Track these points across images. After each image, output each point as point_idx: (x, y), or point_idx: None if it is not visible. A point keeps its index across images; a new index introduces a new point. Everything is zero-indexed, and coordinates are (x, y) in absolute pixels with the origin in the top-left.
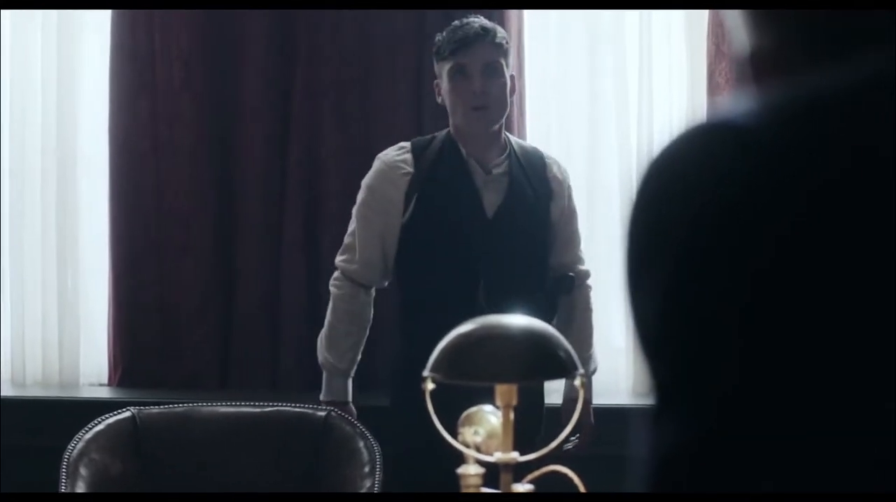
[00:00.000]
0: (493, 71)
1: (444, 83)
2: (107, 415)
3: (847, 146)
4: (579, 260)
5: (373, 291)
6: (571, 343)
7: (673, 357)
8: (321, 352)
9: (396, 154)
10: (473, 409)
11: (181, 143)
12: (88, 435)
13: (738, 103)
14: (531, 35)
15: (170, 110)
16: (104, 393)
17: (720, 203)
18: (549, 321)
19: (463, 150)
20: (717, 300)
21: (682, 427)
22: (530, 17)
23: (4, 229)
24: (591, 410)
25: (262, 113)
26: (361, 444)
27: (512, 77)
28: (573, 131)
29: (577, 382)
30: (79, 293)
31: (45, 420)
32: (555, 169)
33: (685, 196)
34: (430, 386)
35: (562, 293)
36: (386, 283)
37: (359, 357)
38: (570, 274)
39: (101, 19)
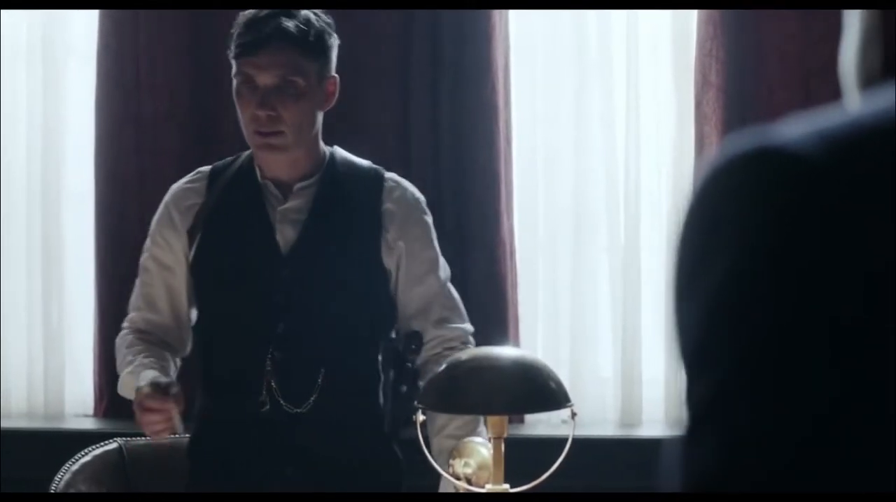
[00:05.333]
0: (290, 88)
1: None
2: (93, 447)
3: None
4: (446, 316)
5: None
6: (435, 425)
7: (715, 374)
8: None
9: (187, 183)
10: (465, 441)
11: (167, 174)
12: (75, 467)
13: (793, 126)
14: (518, 63)
15: (155, 141)
16: (89, 424)
17: (766, 226)
18: (398, 387)
19: (258, 172)
20: (765, 322)
21: (719, 444)
22: (517, 45)
23: None
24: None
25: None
26: None
27: (333, 80)
28: (560, 160)
29: (570, 414)
30: (64, 323)
31: (30, 451)
32: (395, 194)
33: (736, 218)
34: (420, 417)
35: (409, 353)
36: (187, 349)
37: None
38: (417, 329)
39: (87, 48)
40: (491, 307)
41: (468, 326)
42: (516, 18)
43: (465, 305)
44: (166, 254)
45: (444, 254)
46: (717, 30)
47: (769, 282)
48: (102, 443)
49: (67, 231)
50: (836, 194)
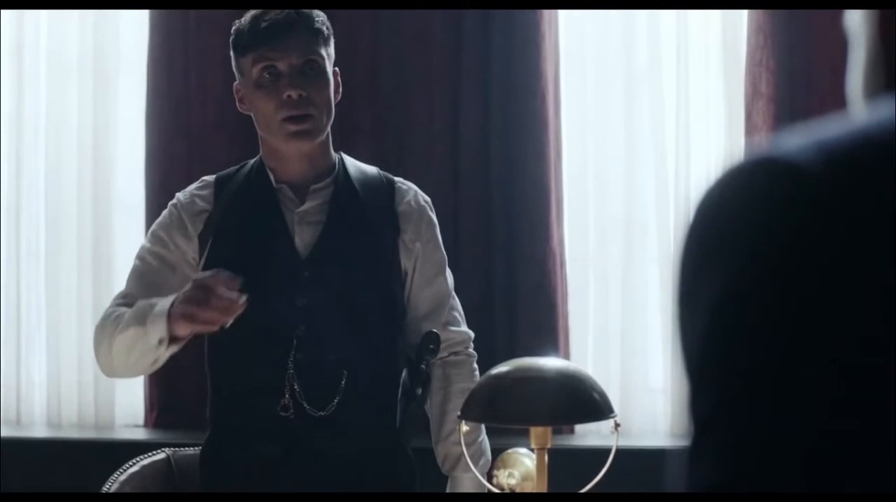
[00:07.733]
0: (314, 69)
1: (247, 85)
2: (141, 457)
3: None
4: (452, 319)
5: None
6: (442, 430)
7: (714, 387)
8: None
9: (194, 190)
10: (508, 452)
11: None
12: (123, 477)
13: (796, 137)
14: (568, 73)
15: (205, 152)
16: (140, 434)
17: (766, 239)
18: (414, 389)
19: (272, 177)
20: (762, 333)
21: (718, 458)
22: (567, 56)
23: (41, 271)
24: None
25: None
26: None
27: (335, 73)
28: (610, 171)
29: (612, 424)
30: None
31: (80, 461)
32: (407, 197)
33: (735, 228)
34: (464, 428)
35: (426, 354)
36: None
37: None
38: (434, 330)
39: (138, 60)
40: (541, 318)
41: (469, 330)
42: (566, 28)
43: (516, 317)
44: (173, 255)
45: (494, 266)
46: (768, 39)
47: (766, 293)
48: (150, 454)
49: (118, 241)
50: (835, 204)
